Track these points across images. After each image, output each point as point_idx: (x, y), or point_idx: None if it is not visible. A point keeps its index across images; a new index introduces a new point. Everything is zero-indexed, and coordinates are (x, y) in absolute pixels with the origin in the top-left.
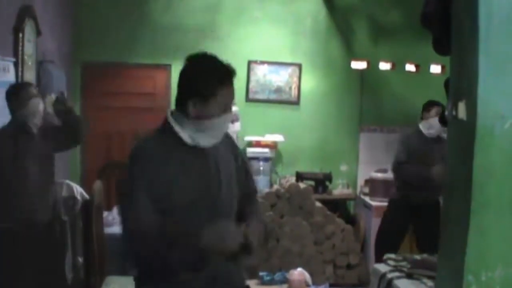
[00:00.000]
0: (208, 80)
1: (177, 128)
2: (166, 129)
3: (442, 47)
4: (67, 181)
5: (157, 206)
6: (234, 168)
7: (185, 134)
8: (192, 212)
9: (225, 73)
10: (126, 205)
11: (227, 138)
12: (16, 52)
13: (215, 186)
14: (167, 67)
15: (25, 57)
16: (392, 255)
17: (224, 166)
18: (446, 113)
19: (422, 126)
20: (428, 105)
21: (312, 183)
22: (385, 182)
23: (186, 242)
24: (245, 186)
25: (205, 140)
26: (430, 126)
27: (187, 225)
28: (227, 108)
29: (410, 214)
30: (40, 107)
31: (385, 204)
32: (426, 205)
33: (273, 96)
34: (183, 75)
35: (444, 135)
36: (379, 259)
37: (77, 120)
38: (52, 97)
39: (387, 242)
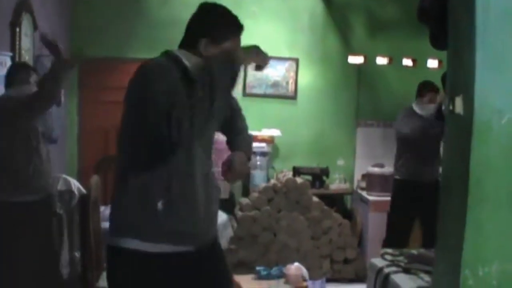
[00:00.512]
0: (225, 24)
1: (184, 60)
2: (170, 60)
3: (439, 42)
4: (64, 176)
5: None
6: None
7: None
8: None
9: (239, 24)
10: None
11: None
12: (13, 46)
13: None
14: None
15: (22, 51)
16: (389, 250)
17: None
18: (443, 107)
19: (415, 107)
20: (423, 89)
21: (309, 177)
22: (382, 176)
23: None
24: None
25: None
26: (423, 109)
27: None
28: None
29: (415, 196)
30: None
31: (383, 198)
32: (428, 185)
33: (270, 91)
34: (197, 16)
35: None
36: (388, 243)
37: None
38: None
39: (397, 225)
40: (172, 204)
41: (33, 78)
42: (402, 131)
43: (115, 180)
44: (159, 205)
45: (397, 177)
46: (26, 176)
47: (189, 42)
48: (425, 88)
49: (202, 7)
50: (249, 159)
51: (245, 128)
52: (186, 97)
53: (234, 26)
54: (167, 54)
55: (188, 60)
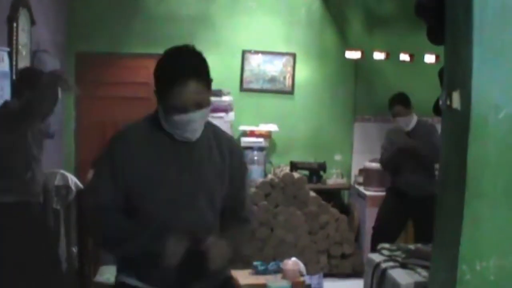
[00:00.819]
0: (164, 77)
1: (162, 119)
2: (155, 118)
3: (436, 37)
4: (62, 171)
5: (126, 193)
6: (218, 171)
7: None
8: (162, 206)
9: (181, 71)
10: (91, 179)
11: (228, 141)
12: (11, 41)
13: (191, 182)
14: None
15: (20, 46)
16: (387, 245)
17: (208, 164)
18: (440, 102)
19: (401, 123)
20: (389, 101)
21: (306, 172)
22: (379, 171)
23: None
24: (231, 194)
25: (179, 135)
26: (398, 121)
27: (155, 218)
28: (188, 106)
29: (408, 204)
30: None
31: (380, 193)
32: (421, 198)
33: (267, 86)
34: (158, 64)
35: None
36: (375, 248)
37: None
38: None
39: (385, 231)
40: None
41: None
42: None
43: None
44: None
45: (390, 185)
46: (23, 182)
47: None
48: (391, 100)
49: (161, 57)
50: (237, 254)
51: (246, 221)
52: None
53: (175, 76)
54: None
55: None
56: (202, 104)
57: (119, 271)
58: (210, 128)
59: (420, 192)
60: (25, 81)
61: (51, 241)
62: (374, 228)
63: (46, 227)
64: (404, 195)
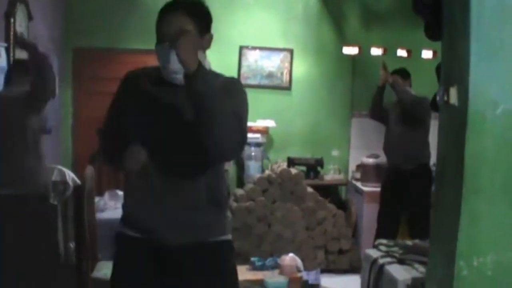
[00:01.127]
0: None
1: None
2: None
3: (433, 33)
4: (59, 167)
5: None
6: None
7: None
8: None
9: (168, 3)
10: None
11: (229, 82)
12: (8, 37)
13: (178, 123)
14: None
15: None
16: (384, 241)
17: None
18: (438, 98)
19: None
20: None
21: (303, 168)
22: (376, 167)
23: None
24: None
25: (166, 76)
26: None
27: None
28: (164, 38)
29: (402, 183)
30: None
31: (377, 189)
32: (415, 172)
33: (264, 82)
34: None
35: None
36: (380, 234)
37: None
38: None
39: (387, 216)
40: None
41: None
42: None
43: None
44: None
45: (385, 164)
46: (21, 174)
47: None
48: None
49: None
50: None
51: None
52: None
53: (162, 10)
54: None
55: None
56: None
57: (120, 223)
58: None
59: (412, 164)
60: (19, 69)
61: (50, 234)
62: (379, 213)
63: (45, 220)
64: (398, 171)
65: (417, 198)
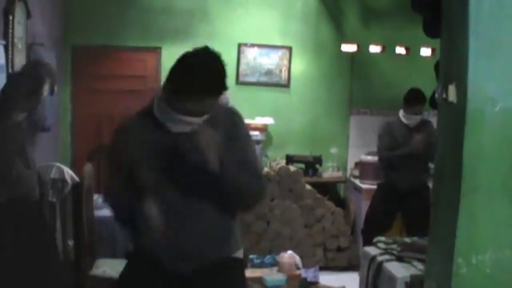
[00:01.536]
0: (178, 83)
1: (156, 110)
2: (149, 110)
3: (432, 30)
4: (58, 164)
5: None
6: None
7: (161, 117)
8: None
9: (196, 87)
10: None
11: (228, 116)
12: (6, 34)
13: (183, 169)
14: (157, 50)
15: (15, 39)
16: (382, 238)
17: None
18: (436, 95)
19: (402, 116)
20: (411, 99)
21: (302, 166)
22: (375, 165)
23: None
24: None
25: (174, 127)
26: (411, 118)
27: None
28: (193, 114)
29: (397, 200)
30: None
31: (375, 187)
32: (413, 191)
33: (263, 79)
34: (175, 63)
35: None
36: (367, 243)
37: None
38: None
39: (374, 226)
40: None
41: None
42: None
43: None
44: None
45: (380, 181)
46: (9, 181)
47: (164, 85)
48: (415, 98)
49: (184, 55)
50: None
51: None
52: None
53: (194, 86)
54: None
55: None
56: (207, 112)
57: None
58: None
59: (412, 186)
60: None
61: (49, 235)
62: (365, 222)
63: (42, 222)
64: (394, 189)
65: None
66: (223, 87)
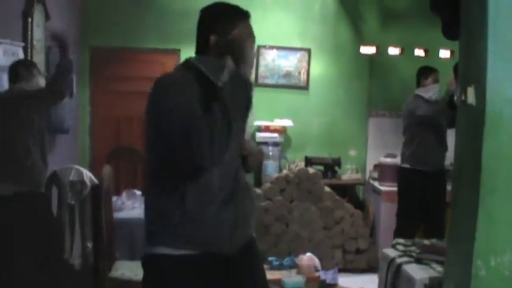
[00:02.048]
0: (227, 14)
1: (200, 66)
2: (187, 69)
3: (451, 32)
4: (76, 166)
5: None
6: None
7: (208, 71)
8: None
9: (241, 10)
10: None
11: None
12: (25, 36)
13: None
14: (176, 52)
15: (34, 41)
16: (401, 240)
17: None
18: (455, 98)
19: (421, 92)
20: (425, 72)
21: (321, 168)
22: (394, 167)
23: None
24: None
25: (226, 76)
26: (429, 90)
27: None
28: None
29: (421, 186)
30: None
31: (394, 189)
32: (433, 174)
33: (282, 81)
34: (200, 19)
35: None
36: (400, 233)
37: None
38: None
39: (408, 212)
40: (186, 220)
41: (36, 71)
42: (417, 113)
43: (144, 190)
44: (175, 219)
45: (405, 165)
46: (23, 169)
47: (200, 46)
48: (427, 71)
49: (202, 10)
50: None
51: None
52: (205, 113)
53: (236, 13)
54: (187, 65)
55: (207, 67)
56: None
57: (153, 243)
58: None
59: (434, 168)
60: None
61: (54, 230)
62: (397, 214)
63: (48, 217)
64: (418, 177)
65: (436, 198)
66: None
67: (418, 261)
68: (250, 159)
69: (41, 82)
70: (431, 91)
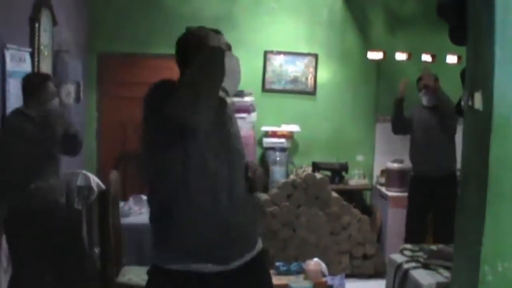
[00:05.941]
0: (189, 48)
1: None
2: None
3: (458, 37)
4: (84, 171)
5: None
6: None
7: None
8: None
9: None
10: None
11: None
12: (32, 42)
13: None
14: None
15: (41, 47)
16: (409, 245)
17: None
18: (462, 103)
19: (421, 100)
20: (416, 83)
21: (328, 173)
22: (401, 172)
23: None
24: None
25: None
26: (422, 97)
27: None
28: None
29: (429, 191)
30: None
31: (402, 194)
32: (443, 180)
33: (289, 86)
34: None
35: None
36: (409, 239)
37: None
38: (69, 87)
39: (415, 219)
40: (173, 227)
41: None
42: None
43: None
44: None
45: (412, 173)
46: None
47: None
48: (417, 81)
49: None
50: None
51: None
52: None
53: (198, 37)
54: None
55: None
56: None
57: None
58: None
59: (441, 172)
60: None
61: (78, 240)
62: (407, 219)
63: (71, 227)
64: (425, 179)
65: (444, 203)
66: None
67: (425, 266)
68: (256, 181)
69: (56, 103)
70: (424, 98)
